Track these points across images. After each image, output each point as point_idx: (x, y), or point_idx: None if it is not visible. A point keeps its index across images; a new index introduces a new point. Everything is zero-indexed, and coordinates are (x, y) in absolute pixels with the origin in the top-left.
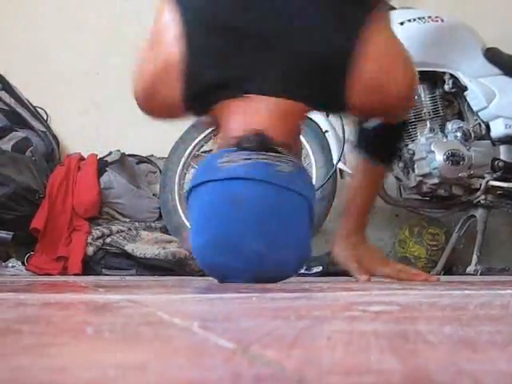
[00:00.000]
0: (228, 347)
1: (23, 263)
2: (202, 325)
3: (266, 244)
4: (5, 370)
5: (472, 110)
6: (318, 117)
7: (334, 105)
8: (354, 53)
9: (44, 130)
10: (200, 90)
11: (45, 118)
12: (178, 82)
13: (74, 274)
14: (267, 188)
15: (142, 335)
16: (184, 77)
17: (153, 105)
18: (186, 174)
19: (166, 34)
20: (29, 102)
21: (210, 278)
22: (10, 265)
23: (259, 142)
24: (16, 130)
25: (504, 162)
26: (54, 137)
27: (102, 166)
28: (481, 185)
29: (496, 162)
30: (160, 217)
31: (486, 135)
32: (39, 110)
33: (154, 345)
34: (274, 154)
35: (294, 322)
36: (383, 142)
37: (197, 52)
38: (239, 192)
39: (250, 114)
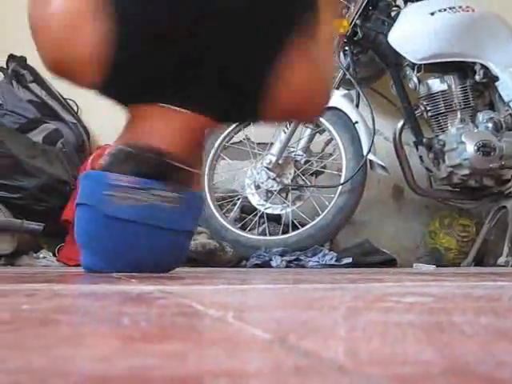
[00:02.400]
0: (265, 338)
1: (54, 254)
2: (237, 315)
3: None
4: (46, 360)
5: (503, 100)
6: (347, 108)
7: (245, 119)
8: (271, 78)
9: (75, 121)
10: (118, 85)
11: (75, 110)
12: (96, 68)
13: None
14: (146, 229)
15: (178, 325)
16: (105, 67)
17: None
18: (215, 165)
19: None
20: (59, 93)
21: (241, 269)
22: (41, 256)
23: (157, 167)
24: (47, 122)
25: None
26: (85, 128)
27: None
28: None
29: None
30: None
31: None
32: (70, 101)
33: (190, 335)
34: (160, 191)
35: (329, 313)
36: None
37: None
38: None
39: (160, 125)
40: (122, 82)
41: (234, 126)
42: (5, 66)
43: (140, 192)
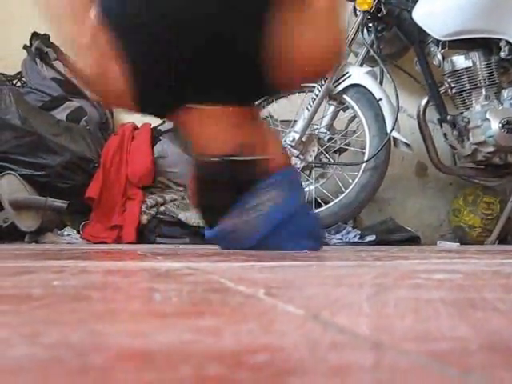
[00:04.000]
0: (298, 314)
1: (78, 232)
2: (268, 292)
3: None
4: (83, 335)
5: None
6: (371, 85)
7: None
8: (267, 40)
9: None
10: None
11: None
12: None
13: (129, 243)
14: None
15: (210, 301)
16: (135, 95)
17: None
18: None
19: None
20: None
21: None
22: (66, 233)
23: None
24: (70, 100)
25: None
26: None
27: (155, 134)
28: None
29: None
30: None
31: None
32: None
33: (223, 311)
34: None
35: (359, 290)
36: None
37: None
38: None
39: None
40: (152, 102)
41: (256, 103)
42: (28, 44)
43: (249, 212)
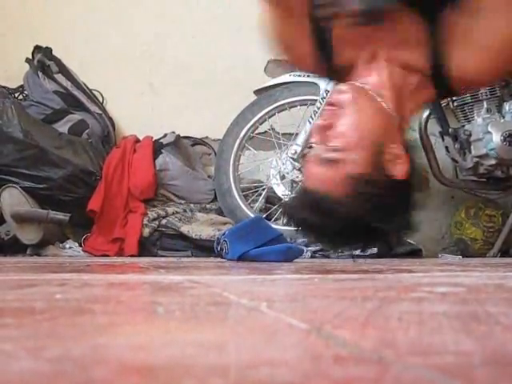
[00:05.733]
0: (301, 327)
1: (80, 244)
2: (270, 305)
3: None
4: (85, 349)
5: None
6: None
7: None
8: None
9: (100, 112)
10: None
11: (101, 101)
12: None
13: (131, 256)
14: None
15: (213, 315)
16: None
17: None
18: (240, 155)
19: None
20: (85, 84)
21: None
22: (67, 246)
23: None
24: (72, 113)
25: None
26: (110, 119)
27: (157, 147)
28: None
29: None
30: (215, 198)
31: None
32: (95, 92)
33: (226, 324)
34: None
35: (362, 303)
36: None
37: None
38: None
39: None
40: None
41: (257, 116)
42: (30, 57)
43: None
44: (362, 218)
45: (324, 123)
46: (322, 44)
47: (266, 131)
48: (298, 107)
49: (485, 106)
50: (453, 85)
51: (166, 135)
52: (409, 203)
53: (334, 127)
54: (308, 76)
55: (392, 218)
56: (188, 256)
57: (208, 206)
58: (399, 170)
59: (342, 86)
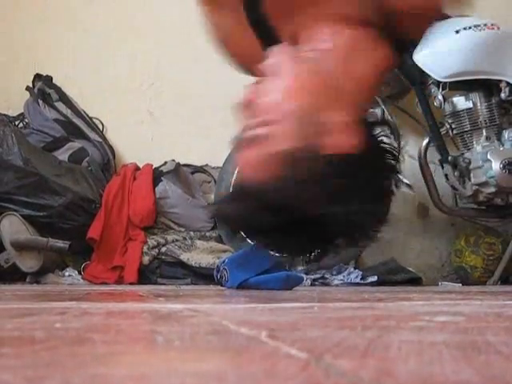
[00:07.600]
0: (300, 357)
1: (79, 272)
2: (270, 334)
3: None
4: (85, 379)
5: None
6: None
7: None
8: None
9: (100, 140)
10: None
11: (101, 129)
12: None
13: (130, 283)
14: None
15: (213, 344)
16: None
17: None
18: None
19: None
20: (85, 112)
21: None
22: (67, 274)
23: None
24: (72, 141)
25: None
26: (110, 147)
27: (157, 175)
28: None
29: None
30: (215, 226)
31: None
32: (95, 120)
33: (226, 354)
34: None
35: (362, 332)
36: None
37: None
38: None
39: None
40: None
41: None
42: (31, 86)
43: None
44: (309, 209)
45: (249, 96)
46: (262, 29)
47: None
48: None
49: (484, 133)
50: (399, 29)
51: (165, 163)
52: (373, 190)
53: (259, 98)
54: None
55: (350, 209)
56: (188, 284)
57: (208, 233)
58: (342, 142)
59: (269, 51)
